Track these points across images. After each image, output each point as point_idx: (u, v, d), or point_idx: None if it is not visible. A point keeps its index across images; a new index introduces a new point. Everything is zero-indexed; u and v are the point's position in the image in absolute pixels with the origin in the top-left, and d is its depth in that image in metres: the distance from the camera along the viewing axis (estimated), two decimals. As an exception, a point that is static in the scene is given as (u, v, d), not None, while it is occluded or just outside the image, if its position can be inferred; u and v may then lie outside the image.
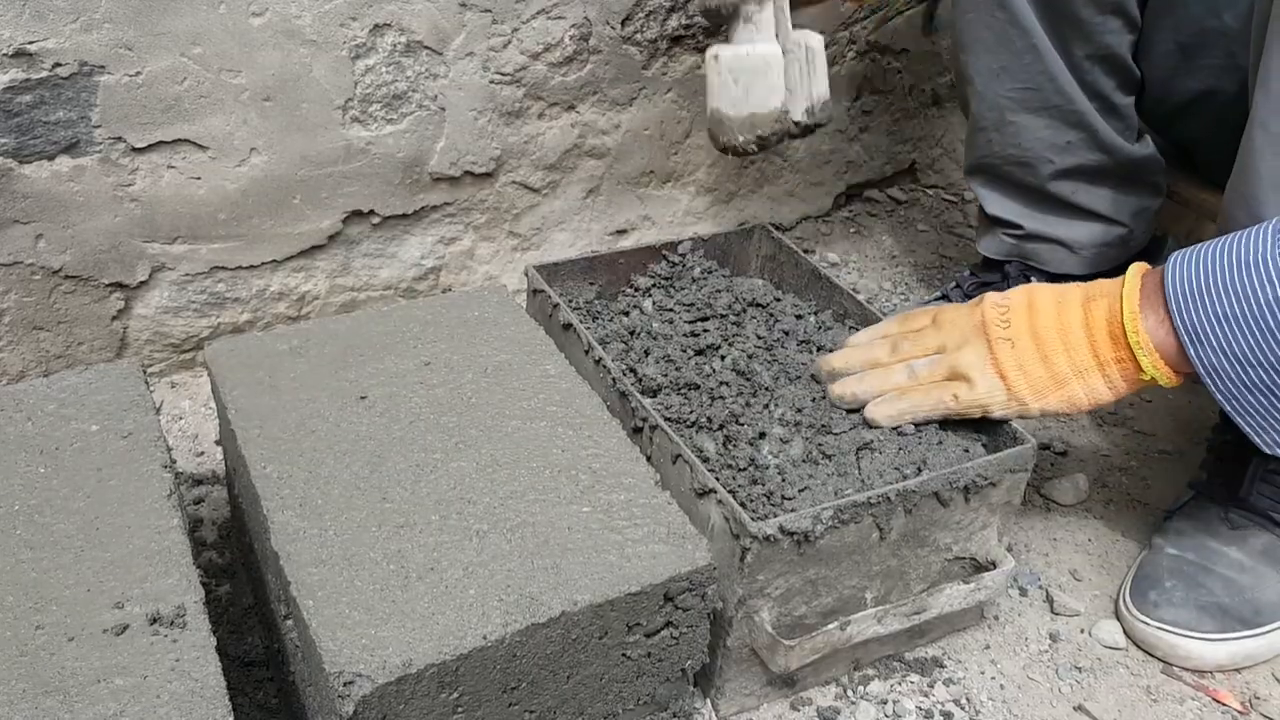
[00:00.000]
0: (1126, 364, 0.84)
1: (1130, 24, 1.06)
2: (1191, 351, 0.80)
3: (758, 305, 1.09)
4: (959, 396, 0.88)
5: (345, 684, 0.64)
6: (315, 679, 0.69)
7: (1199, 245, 0.82)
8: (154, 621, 0.67)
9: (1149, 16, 1.06)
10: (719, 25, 1.00)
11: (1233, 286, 0.77)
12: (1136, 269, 0.86)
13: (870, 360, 0.93)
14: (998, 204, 1.21)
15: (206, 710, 0.62)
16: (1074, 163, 1.14)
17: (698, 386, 0.98)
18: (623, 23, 1.30)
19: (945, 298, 1.27)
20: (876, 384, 0.91)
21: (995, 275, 1.25)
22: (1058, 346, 0.85)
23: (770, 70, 0.98)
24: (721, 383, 0.98)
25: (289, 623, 0.75)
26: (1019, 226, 1.20)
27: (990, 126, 1.15)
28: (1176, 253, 0.83)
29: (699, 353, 1.03)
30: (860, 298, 1.06)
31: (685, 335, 1.06)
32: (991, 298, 0.89)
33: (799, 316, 1.09)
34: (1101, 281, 0.87)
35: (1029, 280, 1.22)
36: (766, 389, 0.98)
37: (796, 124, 1.01)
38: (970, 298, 1.24)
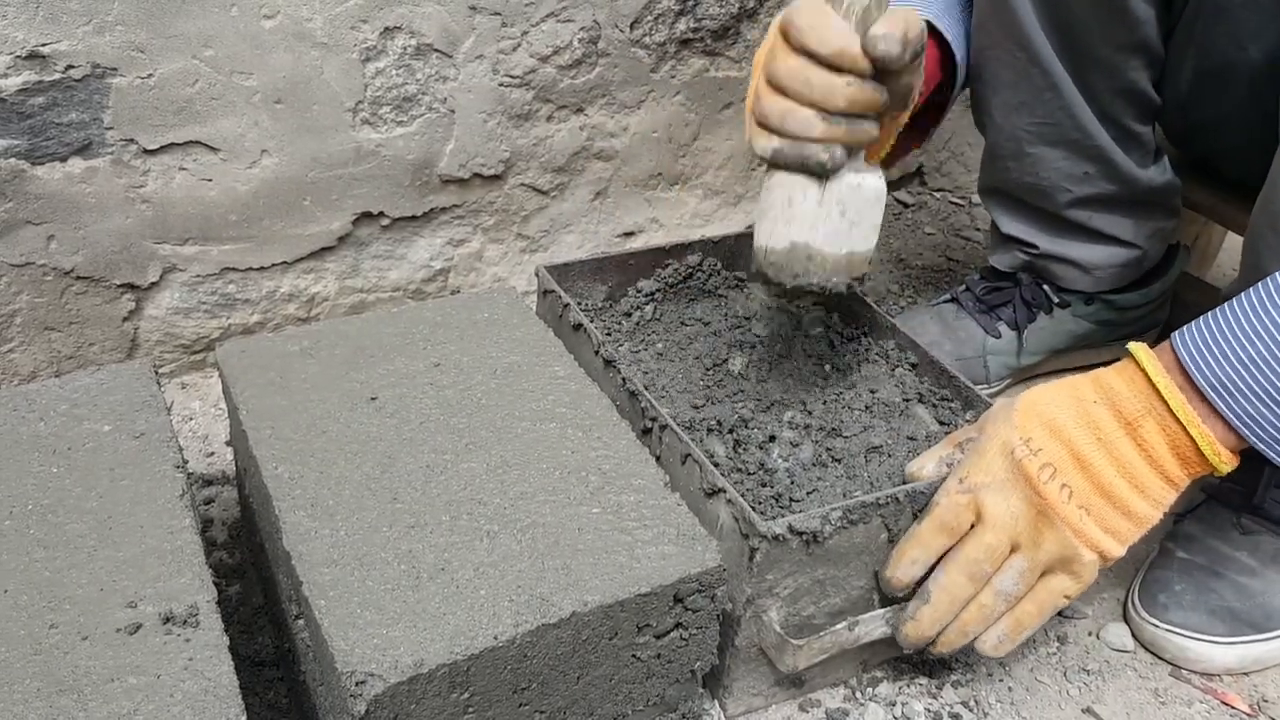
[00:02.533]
0: (1198, 473, 0.79)
1: (1153, 59, 1.05)
2: (1248, 434, 0.76)
3: (768, 308, 1.09)
4: (1070, 595, 0.82)
5: (357, 683, 0.64)
6: (327, 679, 0.69)
7: (1201, 318, 0.79)
8: (167, 621, 0.67)
9: (1172, 46, 1.05)
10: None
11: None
12: (1151, 363, 0.78)
13: (956, 602, 0.82)
14: (1012, 224, 1.21)
15: (220, 709, 0.62)
16: (1091, 192, 1.13)
17: (707, 389, 0.98)
18: (631, 26, 1.30)
19: (954, 300, 1.27)
20: (979, 626, 0.83)
21: (1008, 282, 1.25)
22: (1133, 496, 0.79)
23: (881, 203, 0.84)
24: (738, 390, 0.98)
25: (300, 622, 0.75)
26: (1034, 246, 1.20)
27: (1007, 155, 1.14)
28: (1182, 339, 0.78)
29: (708, 356, 1.03)
30: (869, 300, 1.06)
31: (695, 338, 1.06)
32: (1027, 467, 0.79)
33: (809, 322, 1.09)
34: (1118, 388, 0.79)
35: (1042, 289, 1.23)
36: (777, 392, 0.98)
37: (869, 266, 0.88)
38: (982, 302, 1.24)
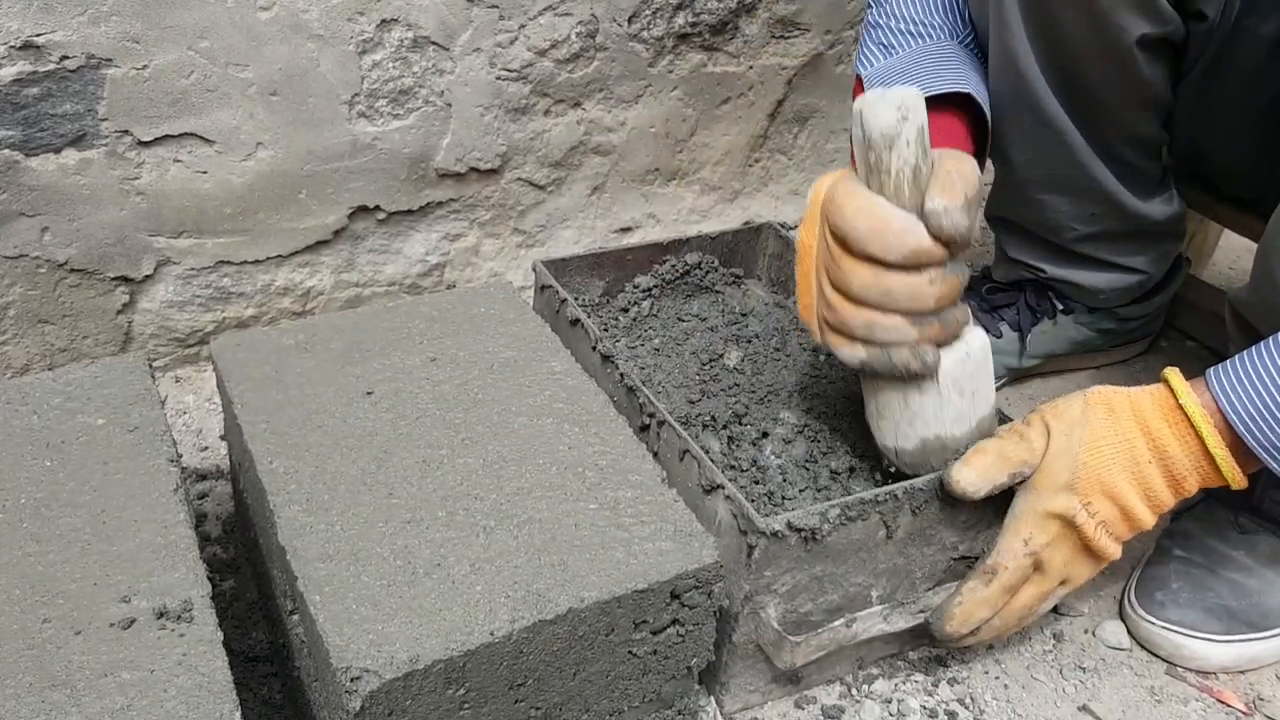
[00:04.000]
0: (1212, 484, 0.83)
1: (1162, 108, 1.05)
2: (1276, 465, 0.78)
3: (764, 304, 1.09)
4: (1061, 595, 0.87)
5: (353, 679, 0.63)
6: (322, 674, 0.69)
7: (1242, 367, 0.78)
8: (160, 615, 0.67)
9: (1179, 97, 1.05)
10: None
11: None
12: (1209, 431, 0.78)
13: (998, 633, 0.87)
14: (1019, 250, 1.21)
15: (214, 704, 0.62)
16: (1097, 230, 1.14)
17: (703, 384, 0.98)
18: (629, 20, 1.30)
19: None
20: (1003, 636, 0.89)
21: (1012, 287, 1.26)
22: (1151, 521, 0.83)
23: (990, 359, 0.81)
24: (733, 385, 0.98)
25: (295, 618, 0.75)
26: (1041, 269, 1.20)
27: (1016, 200, 1.15)
28: (1220, 385, 0.78)
29: (705, 351, 1.03)
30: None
31: (691, 333, 1.06)
32: (1086, 530, 0.80)
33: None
34: (1173, 453, 0.79)
35: (1048, 295, 1.23)
36: (772, 388, 0.98)
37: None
38: (985, 301, 1.24)
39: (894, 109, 0.72)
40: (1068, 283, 1.21)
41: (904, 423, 0.83)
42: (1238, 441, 0.79)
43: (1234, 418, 0.78)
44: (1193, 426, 0.79)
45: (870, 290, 0.75)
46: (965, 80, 0.94)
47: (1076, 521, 0.81)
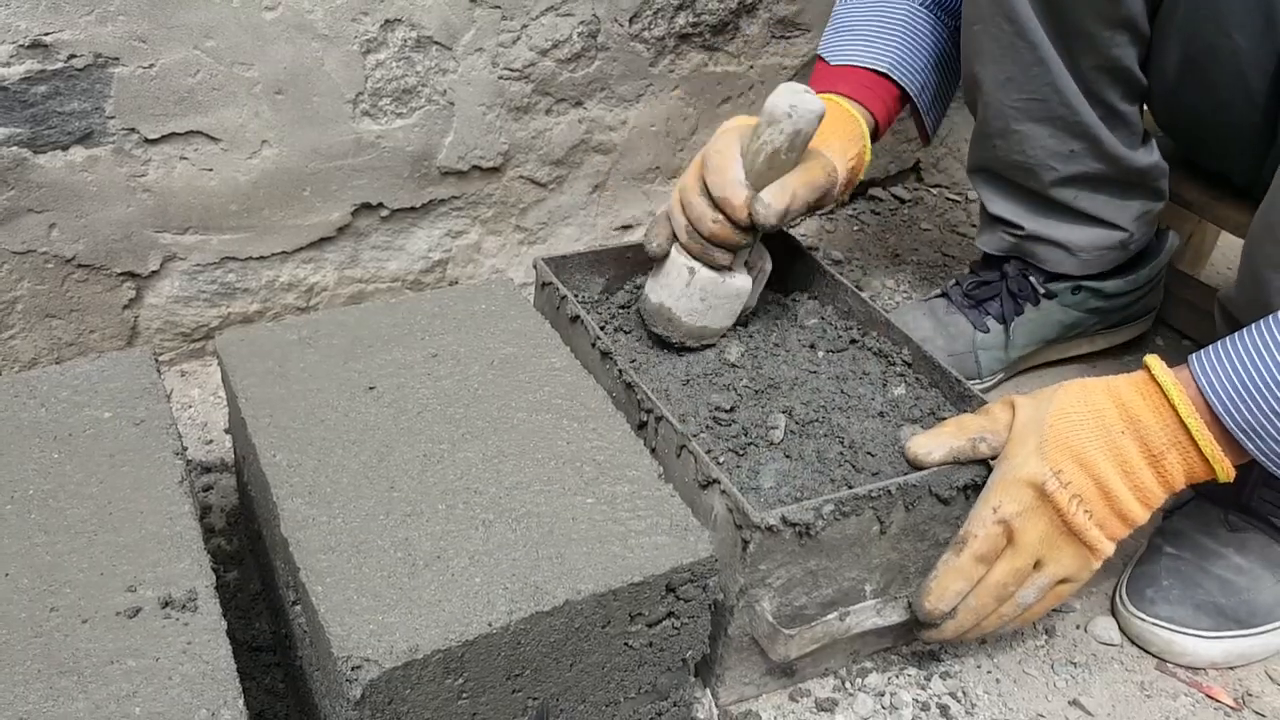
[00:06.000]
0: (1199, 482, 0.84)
1: (1138, 37, 1.06)
2: (1252, 447, 0.80)
3: (763, 299, 1.10)
4: (1071, 593, 0.87)
5: (353, 668, 0.65)
6: (323, 664, 0.70)
7: (1220, 349, 0.81)
8: (166, 605, 0.68)
9: (1157, 29, 1.06)
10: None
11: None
12: (1180, 399, 0.81)
13: (981, 617, 0.86)
14: (999, 204, 1.21)
15: (217, 692, 0.63)
16: (1077, 170, 1.14)
17: (702, 380, 0.99)
18: (630, 20, 1.31)
19: (945, 295, 1.28)
20: (994, 629, 0.88)
21: (994, 274, 1.26)
22: (1141, 513, 0.84)
23: (739, 300, 1.01)
24: (731, 382, 0.99)
25: (297, 608, 0.76)
26: (1019, 227, 1.20)
27: (995, 133, 1.15)
28: (1199, 364, 0.81)
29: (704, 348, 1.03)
30: (863, 295, 1.07)
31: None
32: (1058, 500, 0.82)
33: (805, 315, 1.10)
34: (1146, 421, 0.82)
35: (1028, 280, 1.23)
36: (770, 384, 0.99)
37: (724, 337, 1.04)
38: (970, 297, 1.25)
39: (788, 105, 0.90)
40: (1047, 240, 1.20)
41: (659, 286, 1.01)
42: (1219, 426, 0.80)
43: (1211, 396, 0.79)
44: (1166, 398, 0.81)
45: (687, 194, 0.96)
46: (895, 55, 1.12)
47: (1047, 489, 0.81)
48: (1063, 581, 0.85)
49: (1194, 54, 1.04)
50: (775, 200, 0.92)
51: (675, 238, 0.99)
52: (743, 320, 1.06)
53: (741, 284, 1.00)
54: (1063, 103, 1.09)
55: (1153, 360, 0.84)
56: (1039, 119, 1.11)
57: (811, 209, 0.98)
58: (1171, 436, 0.81)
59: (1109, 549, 0.84)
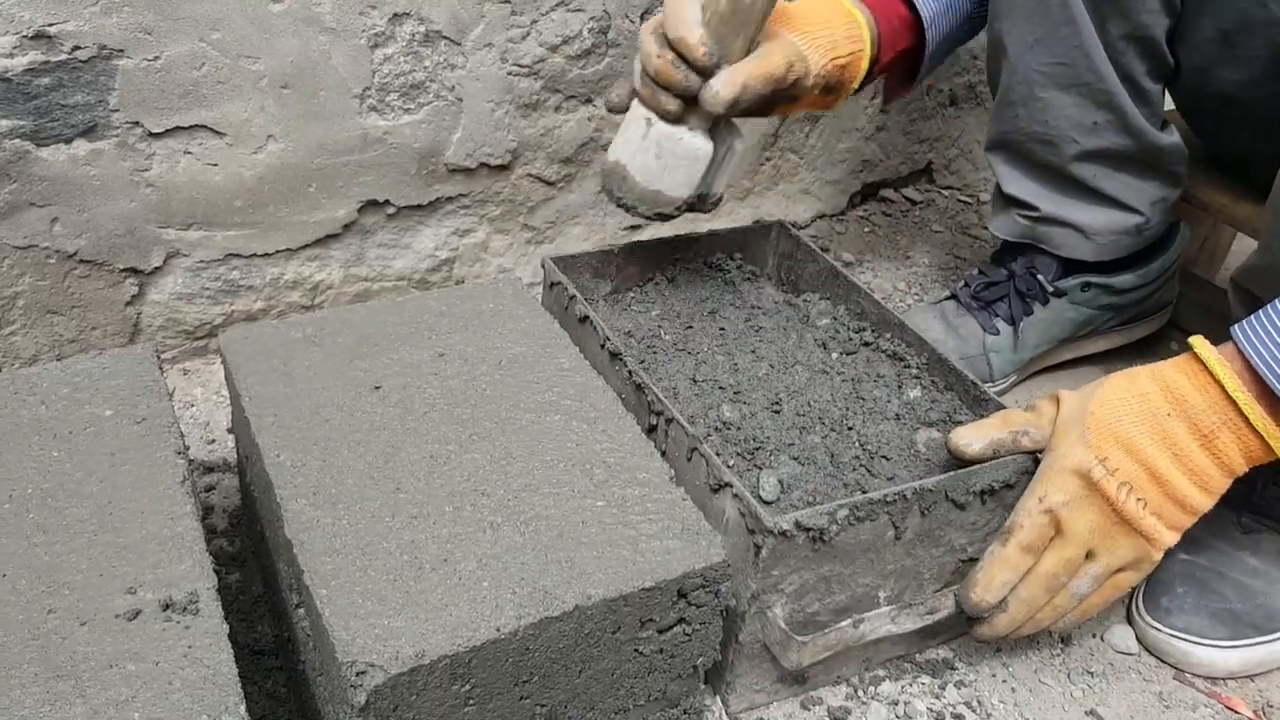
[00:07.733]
0: (1260, 464, 0.81)
1: (1170, 8, 1.05)
2: None
3: (774, 301, 1.09)
4: (1132, 584, 0.86)
5: (358, 674, 0.63)
6: (327, 668, 0.69)
7: (1263, 315, 0.78)
8: (166, 608, 0.67)
9: (1190, 1, 1.04)
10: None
11: None
12: (1226, 374, 0.78)
13: (1033, 610, 0.85)
14: (1015, 183, 1.19)
15: (218, 697, 0.62)
16: (1099, 145, 1.12)
17: (712, 381, 0.97)
18: (641, 16, 1.29)
19: (954, 298, 1.26)
20: (1050, 622, 0.86)
21: (1002, 274, 1.24)
22: (1202, 499, 0.81)
23: (696, 164, 0.97)
24: (743, 382, 0.98)
25: (301, 611, 0.75)
26: (1035, 208, 1.18)
27: (1018, 101, 1.13)
28: (1254, 347, 0.78)
29: (715, 348, 1.02)
30: (875, 297, 1.06)
31: (701, 330, 1.06)
32: (1106, 488, 0.80)
33: (817, 315, 1.09)
34: (1193, 400, 0.80)
35: (1036, 278, 1.22)
36: (782, 385, 0.97)
37: (678, 209, 1.00)
38: (978, 298, 1.23)
39: None
40: (1062, 223, 1.19)
41: (619, 141, 0.98)
42: (1271, 398, 0.77)
43: (1257, 361, 0.77)
44: (1211, 375, 0.79)
45: (644, 36, 0.94)
46: None
47: (1094, 477, 0.80)
48: (1120, 571, 0.83)
49: (1228, 26, 1.02)
50: (724, 89, 0.90)
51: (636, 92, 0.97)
52: (712, 205, 1.03)
53: (700, 145, 0.96)
54: (1090, 68, 1.08)
55: (1197, 341, 0.82)
56: (1064, 85, 1.10)
57: (771, 103, 0.95)
58: (1221, 414, 0.79)
59: (1169, 538, 0.82)
